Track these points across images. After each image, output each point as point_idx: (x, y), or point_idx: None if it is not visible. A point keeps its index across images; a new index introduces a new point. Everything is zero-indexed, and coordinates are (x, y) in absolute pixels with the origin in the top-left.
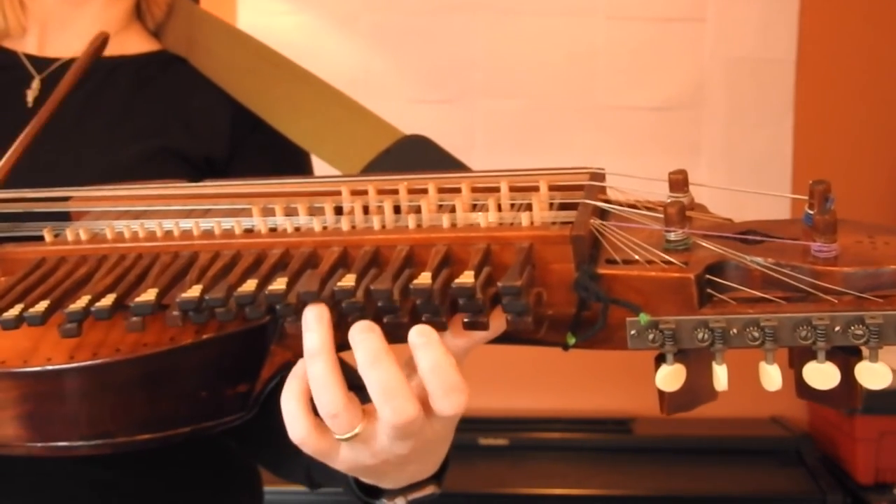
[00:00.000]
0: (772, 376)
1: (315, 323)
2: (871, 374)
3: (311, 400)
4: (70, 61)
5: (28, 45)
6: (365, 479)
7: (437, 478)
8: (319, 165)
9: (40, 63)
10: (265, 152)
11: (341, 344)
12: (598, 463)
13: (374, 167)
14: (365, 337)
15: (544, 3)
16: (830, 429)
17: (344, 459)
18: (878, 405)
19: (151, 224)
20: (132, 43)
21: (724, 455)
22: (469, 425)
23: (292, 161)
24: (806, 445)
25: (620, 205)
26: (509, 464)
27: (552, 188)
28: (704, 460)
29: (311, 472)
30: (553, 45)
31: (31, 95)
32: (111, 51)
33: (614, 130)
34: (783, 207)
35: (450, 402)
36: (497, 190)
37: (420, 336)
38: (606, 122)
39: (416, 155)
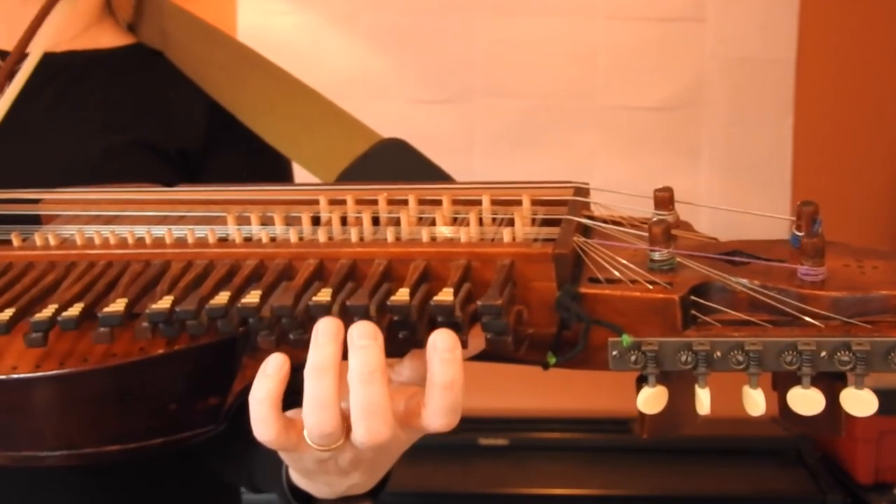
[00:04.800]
0: (756, 401)
1: (329, 339)
2: (857, 401)
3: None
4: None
5: None
6: (300, 482)
7: (373, 494)
8: (300, 173)
9: None
10: (240, 147)
11: None
12: (597, 463)
13: (351, 172)
14: (367, 345)
15: (544, 3)
16: None
17: (306, 457)
18: (878, 405)
19: (123, 230)
20: (106, 37)
21: (724, 455)
22: (469, 425)
23: (269, 159)
24: (806, 445)
25: (605, 221)
26: (509, 464)
27: (535, 203)
28: (704, 460)
29: (253, 477)
30: (553, 45)
31: None
32: (86, 44)
33: (614, 130)
34: (782, 209)
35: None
36: (479, 203)
37: (445, 339)
38: (606, 122)
39: (394, 159)
